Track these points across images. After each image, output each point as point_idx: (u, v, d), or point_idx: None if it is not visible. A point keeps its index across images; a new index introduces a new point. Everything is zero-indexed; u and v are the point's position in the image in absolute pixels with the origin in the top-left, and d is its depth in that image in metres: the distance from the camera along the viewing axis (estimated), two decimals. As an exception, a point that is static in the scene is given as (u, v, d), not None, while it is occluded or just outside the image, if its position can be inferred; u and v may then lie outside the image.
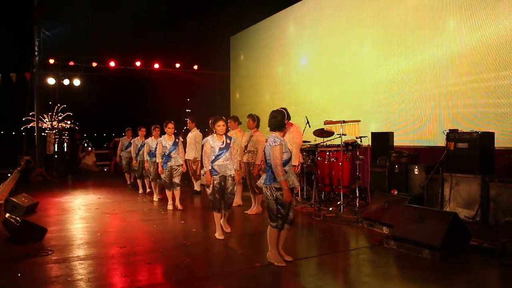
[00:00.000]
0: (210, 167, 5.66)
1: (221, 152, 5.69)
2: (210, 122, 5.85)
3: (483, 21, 7.58)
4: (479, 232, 5.73)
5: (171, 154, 7.95)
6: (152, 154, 8.91)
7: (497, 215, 6.20)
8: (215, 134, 5.79)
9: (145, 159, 9.32)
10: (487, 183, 6.36)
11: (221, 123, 5.77)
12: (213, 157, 5.67)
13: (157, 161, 8.20)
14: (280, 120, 4.64)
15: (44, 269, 4.55)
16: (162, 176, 8.05)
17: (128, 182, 11.82)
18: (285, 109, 6.77)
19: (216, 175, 5.66)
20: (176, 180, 8.00)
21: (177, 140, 8.08)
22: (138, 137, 10.50)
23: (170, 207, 8.02)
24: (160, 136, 8.30)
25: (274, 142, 4.46)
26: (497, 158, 6.92)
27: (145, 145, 9.31)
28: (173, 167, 7.98)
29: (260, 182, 4.64)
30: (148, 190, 10.24)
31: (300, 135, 7.37)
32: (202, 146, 5.90)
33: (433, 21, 8.49)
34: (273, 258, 4.58)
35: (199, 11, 15.65)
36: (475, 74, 7.70)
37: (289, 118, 6.98)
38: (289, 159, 4.57)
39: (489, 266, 4.56)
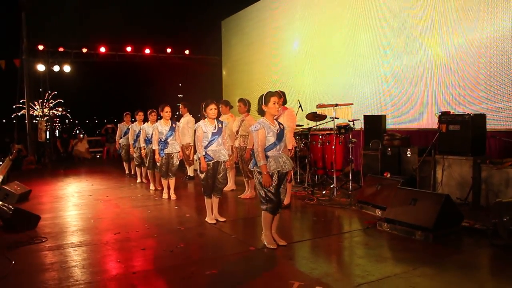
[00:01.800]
0: (204, 153, 5.61)
1: (214, 137, 5.64)
2: (202, 106, 5.79)
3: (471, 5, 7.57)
4: (470, 213, 5.80)
5: (168, 140, 7.61)
6: (148, 140, 8.42)
7: (489, 196, 6.27)
8: (206, 119, 5.71)
9: (141, 146, 8.76)
10: (479, 165, 6.42)
11: (212, 106, 5.69)
12: (206, 143, 5.62)
13: (153, 148, 7.74)
14: (258, 105, 4.66)
15: (38, 256, 4.55)
16: (158, 163, 7.73)
17: (127, 172, 11.09)
18: (282, 92, 6.78)
19: (210, 160, 5.60)
20: (173, 168, 7.69)
21: (173, 125, 7.74)
22: (136, 122, 9.96)
23: (165, 195, 7.75)
24: (157, 121, 7.96)
25: (255, 127, 4.50)
26: (488, 140, 6.98)
27: (141, 130, 8.77)
28: (170, 154, 7.65)
29: (250, 166, 4.68)
30: (145, 180, 9.69)
31: (294, 118, 7.34)
32: (194, 131, 5.84)
33: (423, 4, 8.46)
34: (266, 240, 4.65)
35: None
36: (466, 57, 7.71)
37: (285, 102, 7.02)
38: (275, 144, 4.52)
39: (480, 246, 4.61)
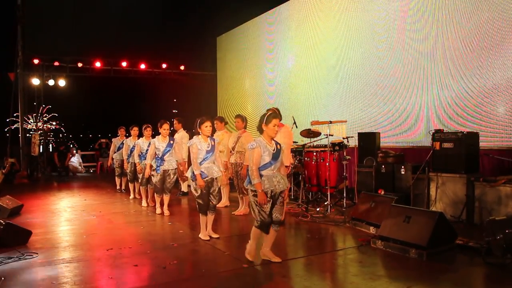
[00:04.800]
0: (200, 171, 5.55)
1: (207, 155, 5.63)
2: (196, 123, 5.76)
3: (466, 23, 7.68)
4: (464, 231, 5.80)
5: (164, 157, 7.56)
6: (143, 156, 8.29)
7: (482, 214, 6.28)
8: (200, 136, 5.68)
9: (136, 161, 8.65)
10: (472, 183, 6.45)
11: (208, 123, 5.67)
12: (200, 160, 5.60)
13: (146, 162, 7.68)
14: (259, 123, 4.70)
15: (29, 272, 4.48)
16: (154, 179, 7.66)
17: (118, 187, 10.95)
18: (277, 109, 6.82)
19: (205, 177, 5.60)
20: (169, 185, 7.65)
21: (171, 141, 7.68)
22: (131, 137, 9.83)
23: (158, 211, 7.68)
24: (153, 137, 7.89)
25: (251, 145, 4.56)
26: (481, 158, 7.03)
27: (136, 146, 8.69)
28: (167, 171, 7.61)
29: (245, 183, 4.70)
30: (138, 196, 9.51)
31: (291, 135, 7.35)
32: (188, 148, 5.79)
33: (418, 20, 8.57)
34: (247, 248, 4.74)
35: (185, 12, 15.61)
36: (460, 75, 7.79)
37: (280, 118, 7.03)
38: (270, 163, 4.55)
39: (474, 264, 4.61)
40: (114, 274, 4.40)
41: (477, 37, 7.52)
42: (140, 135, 9.17)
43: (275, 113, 4.76)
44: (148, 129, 8.54)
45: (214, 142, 5.78)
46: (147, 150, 8.04)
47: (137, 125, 9.85)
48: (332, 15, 10.86)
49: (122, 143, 10.33)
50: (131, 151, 9.49)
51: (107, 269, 4.58)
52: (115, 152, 10.84)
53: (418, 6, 8.58)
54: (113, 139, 11.26)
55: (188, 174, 5.74)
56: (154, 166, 7.61)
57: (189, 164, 6.02)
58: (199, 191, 5.59)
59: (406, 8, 8.84)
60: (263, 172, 4.53)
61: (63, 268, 4.58)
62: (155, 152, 7.60)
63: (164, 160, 7.58)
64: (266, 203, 4.46)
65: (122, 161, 10.30)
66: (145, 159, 7.88)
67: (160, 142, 7.60)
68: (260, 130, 4.69)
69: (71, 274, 4.37)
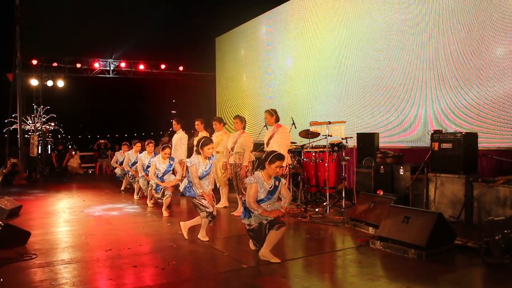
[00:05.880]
0: (202, 190, 5.58)
1: (204, 174, 5.63)
2: (199, 143, 5.65)
3: (466, 23, 7.69)
4: (463, 231, 5.81)
5: (164, 177, 7.87)
6: (147, 171, 8.40)
7: (481, 214, 6.29)
8: (200, 157, 5.59)
9: (142, 174, 8.76)
10: (471, 183, 6.45)
11: (210, 146, 5.61)
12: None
13: (151, 182, 7.96)
14: (264, 158, 4.84)
15: (28, 273, 4.48)
16: (156, 195, 7.92)
17: (122, 188, 11.13)
18: (274, 110, 6.82)
19: (199, 193, 5.63)
20: (168, 191, 7.79)
21: (171, 162, 7.96)
22: (133, 151, 10.07)
23: (165, 213, 7.66)
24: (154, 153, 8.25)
25: (249, 180, 4.79)
26: (480, 158, 7.04)
27: (138, 160, 8.97)
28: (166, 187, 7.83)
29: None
30: (137, 197, 9.74)
31: (289, 136, 7.38)
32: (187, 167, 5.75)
33: (417, 23, 8.58)
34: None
35: (184, 12, 15.57)
36: (458, 76, 7.80)
37: (278, 119, 7.06)
38: (264, 200, 4.74)
39: (473, 265, 4.61)
40: (113, 275, 4.40)
41: (477, 37, 7.53)
42: (142, 149, 9.57)
43: (280, 155, 4.82)
44: (151, 144, 8.88)
45: (212, 161, 5.77)
46: (148, 165, 8.44)
47: (140, 141, 10.37)
48: (331, 16, 10.87)
49: (124, 158, 10.59)
50: (133, 164, 9.86)
51: (106, 270, 4.58)
52: (116, 165, 11.35)
53: (418, 9, 8.58)
54: (115, 153, 11.84)
55: (181, 188, 5.75)
56: (154, 186, 7.87)
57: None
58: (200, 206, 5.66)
59: (406, 10, 8.85)
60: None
61: (62, 269, 4.57)
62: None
63: (163, 180, 7.87)
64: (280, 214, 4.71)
65: (124, 175, 10.77)
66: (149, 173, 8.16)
67: (160, 164, 7.89)
68: (263, 166, 4.77)
69: (70, 275, 4.37)
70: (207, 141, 5.64)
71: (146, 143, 8.94)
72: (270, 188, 4.74)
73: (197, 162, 5.57)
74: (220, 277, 4.36)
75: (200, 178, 5.60)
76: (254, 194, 4.66)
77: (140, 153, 9.26)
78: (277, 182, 4.81)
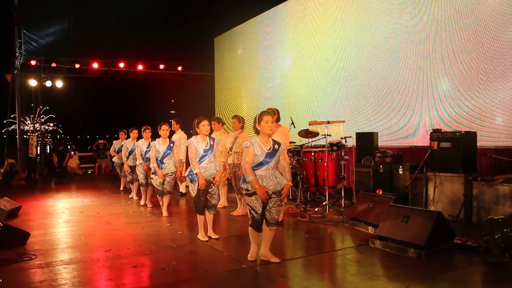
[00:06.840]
0: (199, 170, 5.53)
1: (205, 153, 5.63)
2: (194, 123, 5.76)
3: (465, 23, 7.70)
4: (462, 230, 5.82)
5: (163, 160, 7.55)
6: (145, 158, 8.28)
7: (480, 213, 6.29)
8: (198, 136, 5.68)
9: (138, 162, 8.52)
10: (470, 182, 6.45)
11: (205, 122, 5.66)
12: (198, 159, 5.62)
13: (151, 166, 7.62)
14: (254, 124, 4.71)
15: (27, 274, 4.47)
16: (154, 182, 7.67)
17: (121, 188, 11.11)
18: (276, 110, 6.81)
19: (204, 177, 5.60)
20: (168, 187, 7.62)
21: (171, 144, 7.64)
22: (130, 139, 9.81)
23: (165, 213, 7.60)
24: (152, 139, 7.85)
25: (246, 144, 4.58)
26: (479, 157, 7.04)
27: (136, 147, 8.61)
28: (166, 174, 7.60)
29: (240, 182, 4.73)
30: (136, 197, 9.58)
31: (288, 136, 7.36)
32: (187, 148, 5.79)
33: (417, 23, 8.59)
34: (249, 253, 4.76)
35: (183, 12, 15.55)
36: (458, 74, 7.81)
37: (279, 119, 7.05)
38: (263, 163, 4.52)
39: (472, 263, 4.61)
40: (113, 275, 4.40)
41: (476, 37, 7.53)
42: (140, 137, 9.14)
43: (265, 111, 4.77)
44: (147, 130, 8.52)
45: (214, 142, 5.76)
46: (146, 151, 8.14)
47: (136, 127, 9.84)
48: (329, 15, 10.87)
49: (122, 146, 10.35)
50: (130, 153, 9.56)
51: (106, 270, 4.57)
52: (115, 154, 11.02)
53: (418, 9, 8.59)
54: (113, 141, 11.46)
55: (187, 173, 5.73)
56: (153, 170, 7.60)
57: (187, 165, 6.00)
58: (196, 191, 5.59)
59: (405, 11, 8.85)
60: (256, 172, 4.49)
61: (61, 270, 4.57)
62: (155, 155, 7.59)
63: (163, 163, 7.58)
64: (266, 198, 4.44)
65: (122, 163, 10.35)
66: (148, 159, 7.94)
67: (160, 145, 7.58)
68: (257, 131, 4.68)
69: (69, 276, 4.37)
70: (201, 118, 5.70)
71: (143, 129, 8.57)
72: (269, 150, 4.54)
73: (195, 141, 5.61)
74: (219, 277, 4.35)
75: (203, 158, 5.60)
76: (250, 159, 4.47)
77: (137, 140, 8.95)
78: (277, 145, 4.63)
